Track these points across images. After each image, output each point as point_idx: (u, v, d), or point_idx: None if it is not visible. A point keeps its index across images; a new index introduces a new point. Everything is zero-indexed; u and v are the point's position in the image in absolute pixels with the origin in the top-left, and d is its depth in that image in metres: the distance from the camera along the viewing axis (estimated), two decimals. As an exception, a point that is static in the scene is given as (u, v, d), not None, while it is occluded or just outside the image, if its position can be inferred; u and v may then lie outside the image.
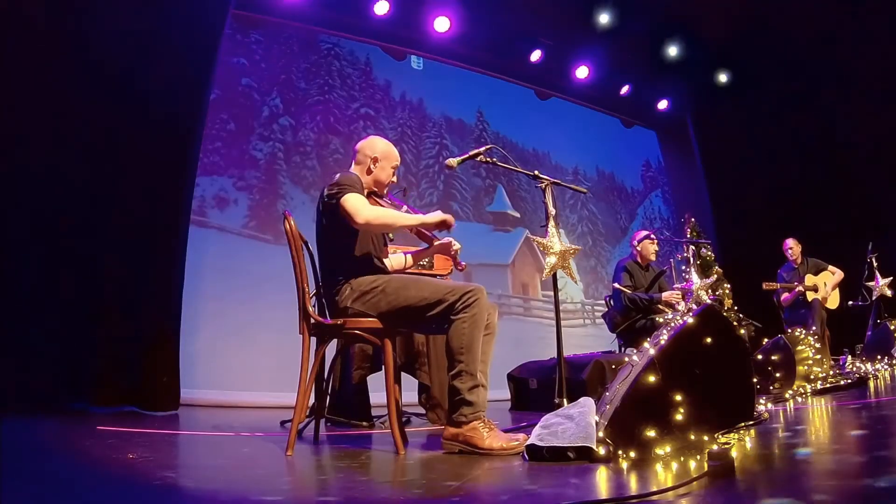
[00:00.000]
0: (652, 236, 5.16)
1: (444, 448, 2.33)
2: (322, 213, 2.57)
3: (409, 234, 2.81)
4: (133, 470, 1.95)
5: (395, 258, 2.93)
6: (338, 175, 2.60)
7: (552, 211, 3.01)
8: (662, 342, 1.96)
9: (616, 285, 4.92)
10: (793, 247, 6.42)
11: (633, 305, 4.80)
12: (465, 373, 2.32)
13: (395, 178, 2.78)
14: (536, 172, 3.06)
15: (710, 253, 6.18)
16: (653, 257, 5.15)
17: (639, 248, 5.13)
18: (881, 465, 1.56)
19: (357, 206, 2.44)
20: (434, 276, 3.56)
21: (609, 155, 8.63)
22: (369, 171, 2.71)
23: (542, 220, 3.07)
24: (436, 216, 2.57)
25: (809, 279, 6.29)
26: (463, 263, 2.75)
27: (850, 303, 6.27)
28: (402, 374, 3.41)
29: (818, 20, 6.50)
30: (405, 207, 2.80)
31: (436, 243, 2.73)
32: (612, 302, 5.18)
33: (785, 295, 6.24)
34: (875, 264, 6.10)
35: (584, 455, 1.88)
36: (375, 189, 2.74)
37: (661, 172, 9.17)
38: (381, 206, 2.70)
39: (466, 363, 2.32)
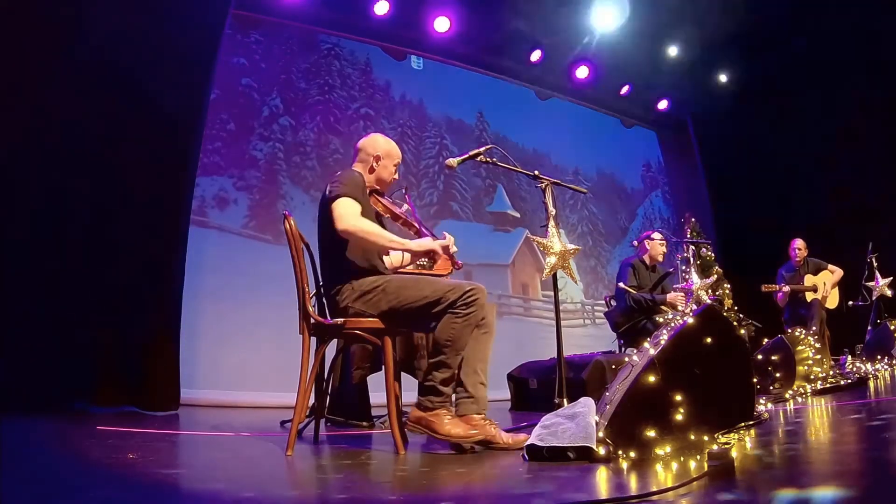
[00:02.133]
0: (659, 237, 5.15)
1: (408, 429, 2.42)
2: (323, 212, 2.57)
3: (408, 232, 2.81)
4: (133, 470, 1.95)
5: (395, 255, 2.93)
6: (340, 173, 2.60)
7: (552, 211, 3.01)
8: (662, 342, 1.96)
9: (620, 284, 4.92)
10: (800, 248, 6.40)
11: (637, 306, 4.79)
12: (445, 366, 2.37)
13: (396, 176, 2.79)
14: (536, 172, 3.06)
15: (710, 253, 6.18)
16: (660, 258, 5.14)
17: (647, 247, 5.11)
18: (881, 466, 1.56)
19: (345, 212, 2.42)
20: (434, 276, 3.56)
21: (609, 155, 8.63)
22: (371, 170, 2.71)
23: (542, 220, 3.07)
24: (423, 245, 2.55)
25: (809, 279, 6.29)
26: (460, 262, 2.74)
27: (850, 303, 6.27)
28: (402, 374, 3.41)
29: (818, 20, 6.50)
30: (406, 206, 2.79)
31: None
32: (613, 301, 5.17)
33: (779, 295, 6.24)
34: (875, 264, 6.10)
35: (584, 455, 1.88)
36: (377, 187, 2.74)
37: (661, 172, 9.16)
38: (382, 204, 2.70)
39: (447, 356, 2.36)
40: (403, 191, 2.96)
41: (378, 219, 2.72)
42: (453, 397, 2.45)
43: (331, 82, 6.47)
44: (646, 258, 5.12)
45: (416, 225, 2.76)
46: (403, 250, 2.56)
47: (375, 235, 2.46)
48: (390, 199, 2.81)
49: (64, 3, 4.15)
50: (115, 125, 4.25)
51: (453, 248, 2.70)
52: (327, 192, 2.52)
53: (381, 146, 2.74)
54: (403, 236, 2.62)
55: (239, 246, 5.60)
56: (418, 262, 3.31)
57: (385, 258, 2.81)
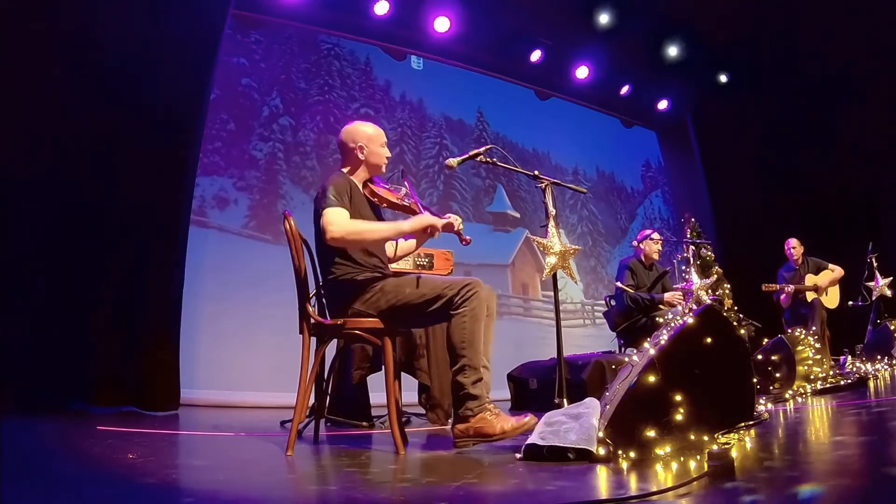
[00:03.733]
0: (654, 235, 5.16)
1: (458, 447, 2.31)
2: (316, 217, 2.57)
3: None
4: (133, 470, 1.95)
5: (401, 243, 2.90)
6: (328, 178, 2.57)
7: (552, 211, 3.01)
8: (662, 342, 1.96)
9: (618, 284, 4.92)
10: (795, 247, 6.41)
11: (635, 305, 4.79)
12: (468, 367, 2.33)
13: (388, 153, 2.71)
14: (536, 172, 3.06)
15: (710, 253, 6.18)
16: (656, 256, 5.14)
17: (642, 247, 5.13)
18: (881, 466, 1.56)
19: (329, 221, 2.38)
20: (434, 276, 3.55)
21: (609, 155, 8.63)
22: (359, 161, 2.66)
23: (542, 220, 3.07)
24: (418, 222, 2.49)
25: (810, 279, 6.29)
26: (468, 237, 2.64)
27: (850, 303, 6.27)
28: (402, 374, 3.41)
29: (818, 20, 6.50)
30: (405, 189, 2.73)
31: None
32: (612, 301, 5.18)
33: (782, 296, 6.25)
34: (875, 264, 6.10)
35: (585, 455, 1.88)
36: (371, 173, 2.69)
37: (661, 172, 9.16)
38: (378, 195, 2.63)
39: (469, 357, 2.33)
40: (400, 174, 2.88)
41: (375, 212, 2.68)
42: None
43: (331, 82, 6.47)
44: (643, 258, 5.13)
45: (418, 207, 2.64)
46: (398, 235, 2.50)
47: (365, 232, 2.43)
48: (387, 185, 2.73)
49: (64, 4, 4.15)
50: (115, 125, 4.25)
51: (459, 226, 2.64)
52: (317, 203, 2.49)
53: (360, 135, 2.66)
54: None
55: (239, 246, 5.60)
56: (417, 263, 3.30)
57: (388, 248, 2.79)
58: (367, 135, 2.67)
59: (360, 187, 2.64)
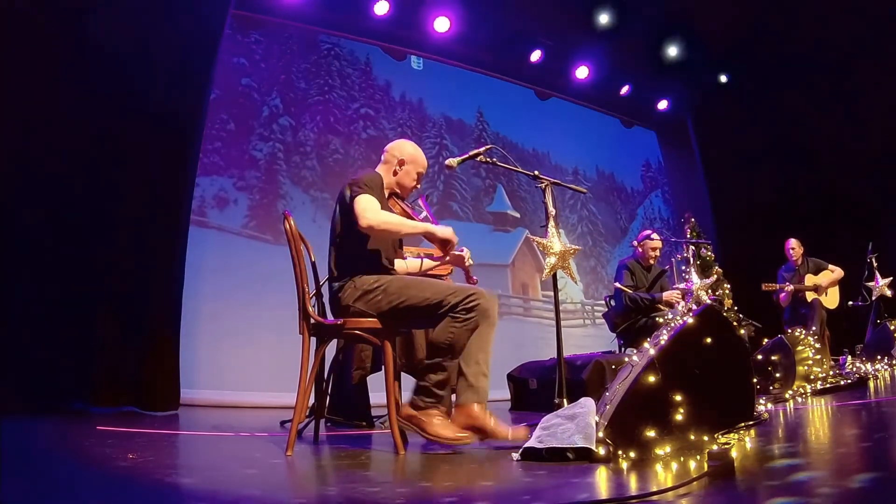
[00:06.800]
0: (653, 236, 5.16)
1: (400, 424, 2.42)
2: (339, 209, 2.59)
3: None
4: (133, 470, 1.95)
5: (411, 262, 2.93)
6: (361, 173, 2.62)
7: (552, 211, 3.01)
8: (662, 342, 1.96)
9: (617, 284, 4.92)
10: (795, 247, 6.41)
11: (634, 305, 4.79)
12: (441, 368, 2.40)
13: (418, 185, 2.80)
14: (536, 172, 3.06)
15: (710, 253, 6.18)
16: (654, 256, 5.14)
17: (641, 248, 5.13)
18: (881, 466, 1.56)
19: (365, 207, 2.44)
20: (434, 277, 3.55)
21: (609, 155, 8.63)
22: (395, 173, 2.74)
23: (542, 220, 3.07)
24: (443, 231, 2.55)
25: (809, 279, 6.29)
26: (475, 278, 2.75)
27: (850, 303, 6.27)
28: (402, 374, 3.41)
29: (818, 20, 6.50)
30: (425, 213, 2.80)
31: (449, 256, 2.69)
32: (612, 302, 5.18)
33: (782, 295, 6.25)
34: (875, 264, 6.10)
35: (584, 455, 1.88)
36: (398, 191, 2.76)
37: (661, 172, 9.16)
38: (401, 208, 2.72)
39: (444, 360, 2.39)
40: (424, 197, 2.97)
41: None
42: (452, 398, 2.45)
43: (331, 82, 6.47)
44: (640, 258, 5.13)
45: None
46: (426, 233, 2.56)
47: (397, 224, 2.48)
48: (409, 204, 2.81)
49: (64, 4, 4.15)
50: (115, 125, 4.25)
51: (469, 261, 2.71)
52: (347, 192, 2.54)
53: (406, 151, 2.76)
54: (417, 238, 2.63)
55: (239, 246, 5.60)
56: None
57: (398, 261, 2.81)
58: (411, 155, 2.76)
59: (386, 195, 2.71)
